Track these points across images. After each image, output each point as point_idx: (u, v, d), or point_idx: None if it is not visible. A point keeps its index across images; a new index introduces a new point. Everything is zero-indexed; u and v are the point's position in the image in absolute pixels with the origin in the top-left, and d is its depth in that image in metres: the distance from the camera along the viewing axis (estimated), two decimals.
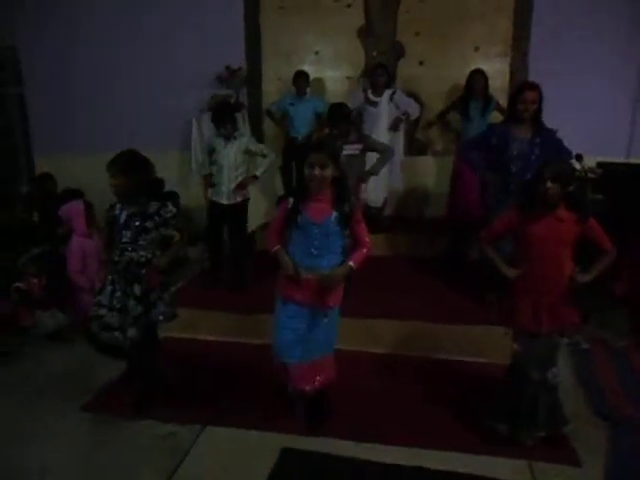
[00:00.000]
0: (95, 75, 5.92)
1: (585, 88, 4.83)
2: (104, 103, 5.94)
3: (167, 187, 5.17)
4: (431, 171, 5.63)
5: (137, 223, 2.81)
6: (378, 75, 4.91)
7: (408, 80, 5.42)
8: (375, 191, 4.93)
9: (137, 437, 2.80)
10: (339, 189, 2.61)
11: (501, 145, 3.49)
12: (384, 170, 4.95)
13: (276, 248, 2.68)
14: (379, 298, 3.91)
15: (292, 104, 5.25)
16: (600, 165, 4.12)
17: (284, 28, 5.51)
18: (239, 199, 4.13)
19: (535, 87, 3.42)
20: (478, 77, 4.80)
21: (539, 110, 3.41)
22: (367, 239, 2.66)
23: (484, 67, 5.12)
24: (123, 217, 2.85)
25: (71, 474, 2.54)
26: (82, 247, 4.05)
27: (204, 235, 4.54)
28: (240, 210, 4.17)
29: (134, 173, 2.77)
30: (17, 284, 3.93)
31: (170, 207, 2.89)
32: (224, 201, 4.12)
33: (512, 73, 5.22)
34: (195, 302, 3.96)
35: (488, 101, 4.82)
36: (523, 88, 3.46)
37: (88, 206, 4.13)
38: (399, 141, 5.20)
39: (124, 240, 2.83)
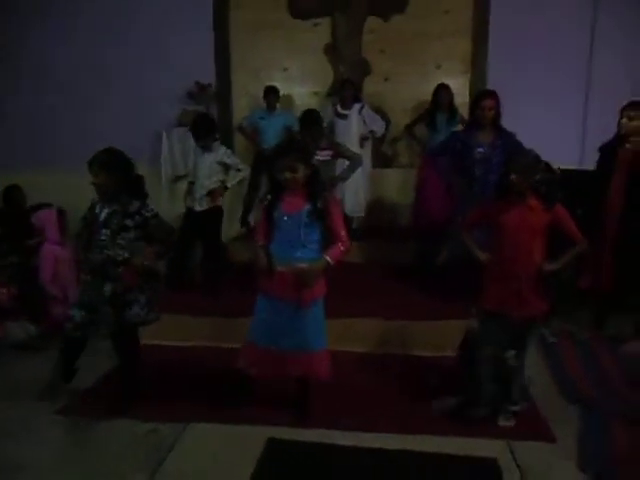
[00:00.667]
0: (61, 90, 5.89)
1: (540, 99, 5.13)
2: (70, 118, 5.91)
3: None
4: (397, 183, 5.79)
5: (116, 221, 2.82)
6: (346, 89, 5.10)
7: (374, 96, 5.62)
8: (355, 200, 5.09)
9: (116, 435, 2.75)
10: (312, 184, 2.68)
11: (464, 150, 3.69)
12: (361, 181, 5.18)
13: (258, 244, 2.76)
14: (355, 299, 3.98)
15: (262, 118, 5.36)
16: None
17: (253, 45, 5.67)
18: (210, 206, 4.18)
19: (491, 94, 3.66)
20: (444, 91, 5.05)
21: (498, 115, 3.63)
22: (343, 233, 2.70)
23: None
24: (103, 215, 2.85)
25: (47, 472, 2.48)
26: (54, 255, 4.00)
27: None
28: (211, 217, 4.22)
29: (115, 170, 2.79)
30: None
31: (151, 207, 2.92)
32: (197, 208, 4.18)
33: (472, 88, 5.48)
34: (163, 307, 3.93)
35: (453, 113, 5.06)
36: (480, 96, 3.73)
37: (61, 214, 4.10)
38: (367, 154, 5.39)
39: (102, 238, 2.82)
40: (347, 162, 4.36)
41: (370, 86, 5.67)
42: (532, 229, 2.64)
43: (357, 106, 5.12)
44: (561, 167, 3.80)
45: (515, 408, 2.80)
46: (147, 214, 2.85)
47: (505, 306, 2.68)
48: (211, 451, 2.63)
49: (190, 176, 4.34)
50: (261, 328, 2.79)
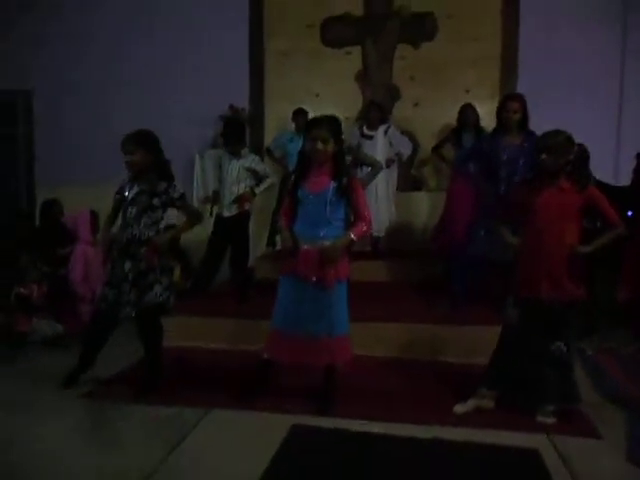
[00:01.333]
0: (99, 113, 6.13)
1: (569, 125, 5.11)
2: (106, 139, 6.09)
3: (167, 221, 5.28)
4: (425, 206, 5.78)
5: (144, 199, 2.87)
6: (372, 111, 5.18)
7: (403, 121, 5.69)
8: (377, 220, 5.06)
9: (138, 417, 2.69)
10: (338, 163, 2.70)
11: (491, 152, 3.67)
12: (384, 201, 5.19)
13: (281, 225, 2.78)
14: (382, 306, 3.95)
15: (291, 140, 5.44)
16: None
17: (286, 71, 5.86)
18: (238, 211, 4.20)
19: (516, 97, 3.66)
20: (469, 110, 5.09)
21: (525, 118, 3.61)
22: (366, 213, 2.71)
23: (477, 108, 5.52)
24: (131, 194, 2.91)
25: (67, 445, 2.41)
26: (86, 255, 4.07)
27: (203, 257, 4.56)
28: (239, 222, 4.23)
29: (151, 148, 2.88)
30: (18, 289, 3.88)
31: (178, 187, 2.97)
32: (225, 213, 4.20)
33: None
34: (190, 310, 3.92)
35: (479, 132, 5.08)
36: (506, 99, 3.72)
37: (94, 215, 4.18)
38: (392, 176, 5.41)
39: (128, 216, 2.88)
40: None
41: (400, 111, 5.75)
42: (563, 210, 2.57)
43: (383, 127, 5.19)
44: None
45: (551, 408, 2.63)
46: (174, 195, 2.90)
47: (537, 289, 2.58)
48: (233, 434, 2.54)
49: (214, 184, 4.34)
50: (285, 313, 2.75)
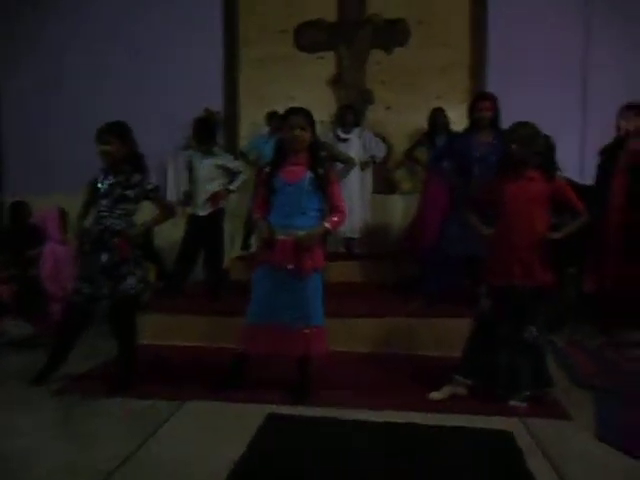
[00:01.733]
0: (69, 118, 6.06)
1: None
2: (77, 147, 6.03)
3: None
4: (400, 209, 5.85)
5: (118, 191, 2.86)
6: (347, 114, 5.25)
7: (376, 123, 5.78)
8: (351, 221, 5.09)
9: (112, 411, 2.64)
10: (314, 153, 2.75)
11: (463, 150, 3.75)
12: (358, 203, 5.24)
13: (256, 217, 2.79)
14: (357, 302, 3.99)
15: (265, 142, 5.44)
16: None
17: (261, 76, 5.90)
18: (213, 209, 4.19)
19: (488, 96, 3.76)
20: (439, 114, 5.21)
21: (496, 117, 3.70)
22: (341, 204, 2.75)
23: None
24: (105, 186, 2.89)
25: (42, 438, 2.35)
26: (55, 253, 4.00)
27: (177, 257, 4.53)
28: (213, 221, 4.22)
29: (126, 139, 2.87)
30: None
31: (152, 180, 2.97)
32: (199, 212, 4.18)
33: None
34: (165, 308, 3.91)
35: (450, 136, 5.18)
36: (477, 98, 3.81)
37: (62, 213, 4.12)
38: (368, 179, 5.48)
39: (101, 208, 2.87)
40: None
41: (372, 114, 5.84)
42: (533, 199, 2.65)
43: (357, 130, 5.26)
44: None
45: (527, 393, 2.69)
46: (147, 187, 2.90)
47: (510, 277, 2.64)
48: (208, 424, 2.52)
49: (185, 185, 4.33)
50: (260, 304, 2.75)
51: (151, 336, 3.69)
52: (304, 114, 2.68)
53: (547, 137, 2.89)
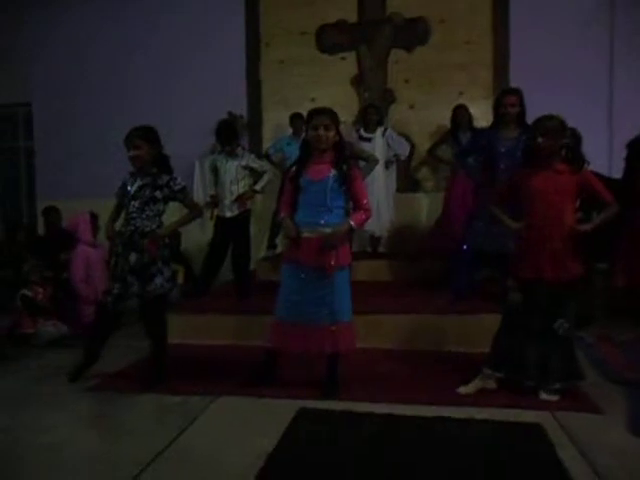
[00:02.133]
0: (98, 124, 6.24)
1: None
2: (106, 152, 6.19)
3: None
4: (424, 207, 5.85)
5: (147, 193, 2.94)
6: (370, 114, 5.26)
7: (399, 122, 5.79)
8: (378, 219, 5.11)
9: (145, 406, 2.73)
10: (339, 151, 2.77)
11: (489, 145, 3.72)
12: (384, 202, 5.25)
13: (282, 216, 2.83)
14: (385, 299, 4.03)
15: (289, 144, 5.49)
16: None
17: (283, 78, 5.97)
18: (239, 211, 4.24)
19: (514, 92, 3.71)
20: (462, 111, 5.19)
21: (522, 112, 3.66)
22: (365, 201, 2.77)
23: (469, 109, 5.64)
24: (134, 188, 2.98)
25: (77, 439, 2.41)
26: (87, 256, 4.11)
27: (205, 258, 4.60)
28: (241, 222, 4.28)
29: (155, 142, 2.95)
30: (23, 291, 3.92)
31: (179, 180, 3.03)
32: (227, 214, 4.24)
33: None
34: (194, 308, 4.00)
35: (474, 132, 5.16)
36: (503, 93, 3.77)
37: (93, 217, 4.23)
38: (392, 177, 5.50)
39: (131, 210, 2.95)
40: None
41: (395, 114, 5.86)
42: (561, 191, 2.63)
43: (380, 129, 5.27)
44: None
45: (557, 386, 2.68)
46: (175, 187, 2.97)
47: (541, 270, 2.63)
48: (240, 419, 2.57)
49: (211, 188, 4.37)
50: (288, 303, 2.79)
51: (181, 336, 3.75)
52: (328, 114, 2.72)
53: (573, 129, 2.87)
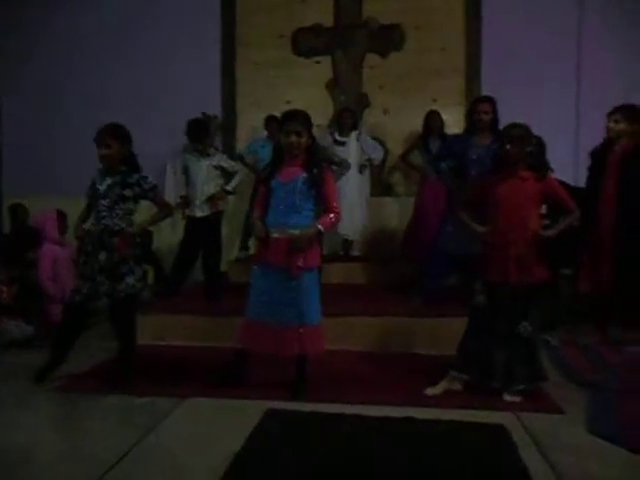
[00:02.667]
0: (69, 121, 6.15)
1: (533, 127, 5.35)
2: (76, 149, 6.10)
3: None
4: (395, 211, 5.91)
5: (116, 191, 2.91)
6: (345, 117, 5.30)
7: (373, 127, 5.85)
8: (351, 223, 5.15)
9: (112, 407, 2.69)
10: (310, 155, 2.80)
11: (460, 151, 3.80)
12: (357, 205, 5.29)
13: (254, 216, 2.85)
14: (356, 302, 4.05)
15: (263, 146, 5.40)
16: None
17: (258, 80, 5.97)
18: (211, 211, 4.22)
19: (487, 99, 3.80)
20: (434, 116, 5.25)
21: (495, 120, 3.75)
22: (335, 204, 2.79)
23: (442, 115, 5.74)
24: (103, 187, 2.94)
25: (44, 440, 2.37)
26: (54, 254, 4.04)
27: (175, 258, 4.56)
28: (212, 222, 4.26)
29: (126, 141, 2.93)
30: None
31: (150, 179, 3.01)
32: (197, 214, 4.21)
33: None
34: (163, 309, 3.96)
35: (444, 139, 5.24)
36: (476, 101, 3.87)
37: (61, 215, 4.16)
38: (366, 181, 5.54)
39: (100, 209, 2.92)
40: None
41: (369, 118, 5.91)
42: (526, 197, 2.71)
43: (355, 133, 5.31)
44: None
45: (521, 387, 2.74)
46: (145, 185, 2.95)
47: (506, 274, 2.69)
48: (207, 420, 2.56)
49: (182, 188, 4.35)
50: (257, 303, 2.80)
51: (150, 336, 3.72)
52: (301, 119, 2.74)
53: (538, 137, 2.96)
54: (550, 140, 5.40)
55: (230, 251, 5.50)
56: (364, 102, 5.92)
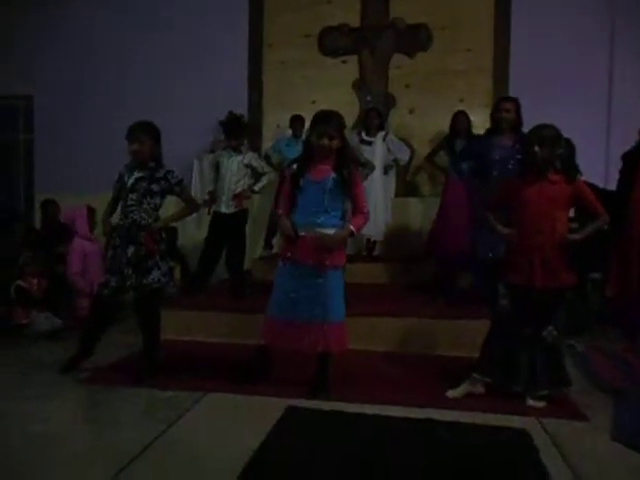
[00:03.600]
0: (99, 120, 6.28)
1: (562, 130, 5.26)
2: (106, 147, 6.23)
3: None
4: (420, 212, 5.88)
5: (144, 185, 2.96)
6: (372, 117, 5.31)
7: (399, 128, 5.84)
8: (375, 223, 5.14)
9: (136, 400, 2.73)
10: (341, 156, 2.79)
11: (483, 152, 3.73)
12: (381, 206, 5.28)
13: (279, 214, 2.85)
14: (378, 302, 4.06)
15: (288, 145, 5.49)
16: None
17: (284, 79, 6.01)
18: (236, 209, 4.25)
19: (510, 99, 3.74)
20: (461, 117, 5.20)
21: (518, 120, 3.67)
22: (365, 204, 2.81)
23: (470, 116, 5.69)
24: (131, 181, 2.99)
25: (70, 430, 2.43)
26: (83, 249, 4.13)
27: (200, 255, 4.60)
28: (237, 219, 4.28)
29: (157, 138, 2.98)
30: (18, 282, 3.93)
31: (177, 173, 3.06)
32: (223, 210, 4.25)
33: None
34: (187, 305, 4.01)
35: (471, 139, 5.20)
36: (499, 100, 3.81)
37: (91, 210, 4.25)
38: (391, 182, 5.53)
39: (129, 203, 2.96)
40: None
41: (395, 118, 5.89)
42: (554, 200, 2.65)
43: (381, 133, 5.31)
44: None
45: (544, 392, 2.70)
46: (172, 180, 3.00)
47: (532, 278, 2.65)
48: (228, 415, 2.59)
49: (211, 185, 4.37)
50: (282, 301, 2.81)
51: (174, 332, 3.78)
52: (334, 122, 2.73)
53: (568, 140, 2.90)
54: (580, 142, 5.35)
55: (254, 249, 5.54)
56: (390, 102, 5.91)
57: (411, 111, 5.87)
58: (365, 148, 5.25)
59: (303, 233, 2.75)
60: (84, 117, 6.38)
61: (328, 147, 2.72)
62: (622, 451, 2.25)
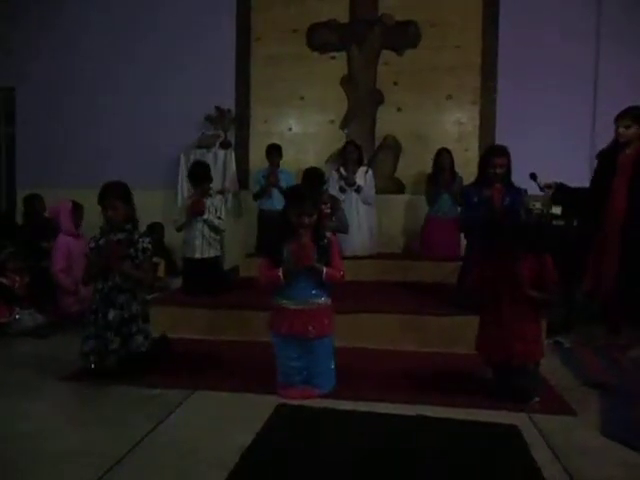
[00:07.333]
0: (84, 114, 6.21)
1: (547, 125, 5.31)
2: (90, 141, 6.17)
3: (151, 221, 5.33)
4: (406, 208, 5.89)
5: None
6: (350, 152, 5.26)
7: (386, 124, 5.84)
8: (362, 244, 5.17)
9: (122, 397, 2.69)
10: (318, 227, 2.82)
11: (479, 202, 3.62)
12: (368, 231, 5.26)
13: (277, 276, 2.72)
14: (370, 299, 4.05)
15: (264, 177, 5.30)
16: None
17: (272, 74, 5.96)
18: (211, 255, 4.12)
19: (503, 152, 3.63)
20: (445, 154, 5.23)
21: (508, 172, 3.62)
22: (342, 268, 2.82)
23: (456, 113, 5.76)
24: None
25: (54, 428, 2.37)
26: (67, 245, 4.04)
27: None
28: (211, 265, 4.14)
29: (128, 201, 2.95)
30: None
31: (148, 240, 3.03)
32: (196, 256, 4.07)
33: (482, 119, 5.69)
34: (172, 302, 3.98)
35: (454, 176, 5.21)
36: (492, 153, 3.67)
37: (76, 206, 4.17)
38: (372, 213, 5.39)
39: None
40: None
41: (383, 115, 5.88)
42: (517, 277, 2.69)
43: (363, 169, 5.26)
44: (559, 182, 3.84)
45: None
46: (139, 245, 2.96)
47: (510, 354, 2.71)
48: (218, 412, 2.56)
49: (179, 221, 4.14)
50: (290, 370, 2.78)
51: (160, 329, 3.72)
52: (311, 199, 2.75)
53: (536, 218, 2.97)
54: (565, 138, 5.40)
55: (244, 248, 5.49)
56: (378, 99, 5.89)
57: (399, 108, 5.86)
58: (348, 188, 5.18)
59: (298, 306, 2.74)
60: (69, 111, 6.27)
61: (307, 224, 2.74)
62: (611, 445, 2.27)
